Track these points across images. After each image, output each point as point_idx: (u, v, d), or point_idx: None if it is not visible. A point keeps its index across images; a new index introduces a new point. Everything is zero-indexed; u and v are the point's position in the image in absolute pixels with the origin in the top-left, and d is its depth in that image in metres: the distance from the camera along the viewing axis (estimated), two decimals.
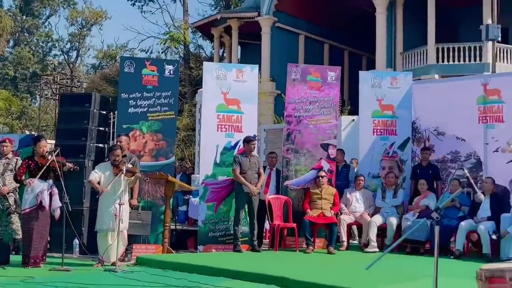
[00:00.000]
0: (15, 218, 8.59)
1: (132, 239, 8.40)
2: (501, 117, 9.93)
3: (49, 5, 47.59)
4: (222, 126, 9.69)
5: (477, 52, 20.63)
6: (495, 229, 8.79)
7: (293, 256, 8.99)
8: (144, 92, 9.39)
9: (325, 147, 10.13)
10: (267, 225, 10.09)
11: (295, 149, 10.09)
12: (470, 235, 9.04)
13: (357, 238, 10.71)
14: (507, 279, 2.76)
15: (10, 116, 36.34)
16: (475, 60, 20.61)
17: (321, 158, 10.06)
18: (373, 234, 9.52)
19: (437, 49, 21.13)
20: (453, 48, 21.03)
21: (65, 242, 7.63)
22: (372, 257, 7.50)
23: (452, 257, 8.71)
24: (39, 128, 31.60)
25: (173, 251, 8.87)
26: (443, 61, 21.03)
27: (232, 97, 9.77)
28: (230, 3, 35.57)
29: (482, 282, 2.89)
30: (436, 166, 10.32)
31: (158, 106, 9.41)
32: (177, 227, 10.77)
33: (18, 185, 8.41)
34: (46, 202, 7.57)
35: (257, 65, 10.70)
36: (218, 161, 9.55)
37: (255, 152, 9.55)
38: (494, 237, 8.71)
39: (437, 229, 3.84)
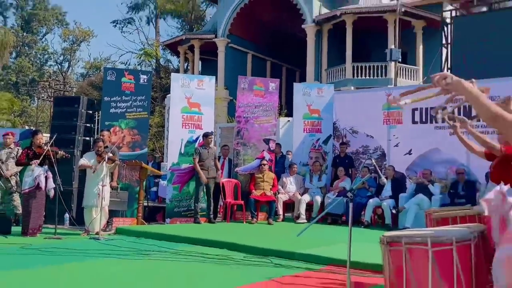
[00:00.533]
0: (16, 197, 8.40)
1: (112, 213, 8.25)
2: (400, 120, 10.19)
3: (45, 24, 45.93)
4: (186, 124, 9.60)
5: (383, 70, 21.09)
6: (395, 205, 9.03)
7: (241, 226, 9.00)
8: (123, 96, 9.22)
9: (267, 141, 10.18)
10: (221, 202, 10.07)
11: (243, 143, 10.10)
12: (376, 209, 9.26)
13: (290, 212, 10.81)
14: (402, 243, 2.86)
15: (12, 114, 34.94)
16: (381, 76, 21.05)
17: (263, 150, 10.10)
18: (302, 209, 9.64)
19: (353, 67, 21.49)
20: (365, 67, 21.44)
21: (58, 216, 7.46)
22: (302, 227, 7.59)
23: (362, 226, 8.88)
24: (37, 124, 30.66)
25: (146, 223, 8.75)
26: (357, 76, 21.40)
27: (194, 101, 9.70)
28: (193, 27, 35.22)
29: (384, 245, 2.97)
30: (351, 157, 10.52)
31: (134, 108, 9.26)
32: (149, 204, 10.62)
33: (20, 169, 8.23)
34: (42, 184, 7.40)
35: (214, 76, 10.66)
36: (182, 152, 9.47)
37: (212, 145, 9.51)
38: (394, 211, 8.94)
39: (351, 205, 3.90)
